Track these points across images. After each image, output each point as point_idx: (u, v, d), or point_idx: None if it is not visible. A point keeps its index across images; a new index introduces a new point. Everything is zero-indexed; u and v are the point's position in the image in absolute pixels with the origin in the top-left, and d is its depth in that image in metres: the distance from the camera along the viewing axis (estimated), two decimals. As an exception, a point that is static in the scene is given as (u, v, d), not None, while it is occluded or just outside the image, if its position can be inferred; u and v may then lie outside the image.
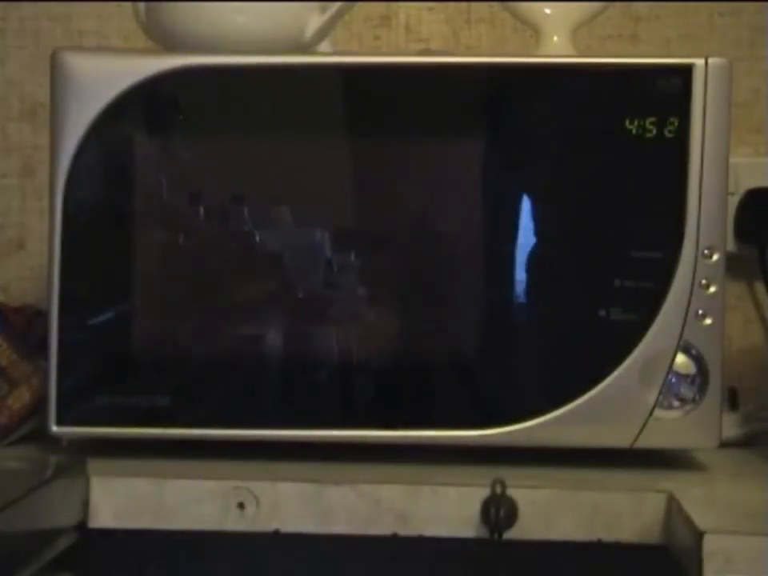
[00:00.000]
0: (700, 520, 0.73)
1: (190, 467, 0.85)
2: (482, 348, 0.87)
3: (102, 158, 0.87)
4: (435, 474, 0.84)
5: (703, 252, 0.86)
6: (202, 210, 0.88)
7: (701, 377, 0.86)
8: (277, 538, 0.82)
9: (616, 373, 0.86)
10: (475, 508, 0.80)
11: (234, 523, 0.82)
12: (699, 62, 0.86)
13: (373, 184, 0.89)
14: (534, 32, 0.99)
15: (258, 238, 0.88)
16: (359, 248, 0.88)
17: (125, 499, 0.82)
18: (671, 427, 0.86)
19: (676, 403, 0.86)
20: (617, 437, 0.86)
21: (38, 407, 0.91)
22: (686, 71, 0.86)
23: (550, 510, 0.81)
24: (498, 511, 0.79)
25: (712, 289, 0.86)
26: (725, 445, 0.89)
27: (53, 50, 0.88)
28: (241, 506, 0.82)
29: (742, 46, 1.17)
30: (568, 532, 0.81)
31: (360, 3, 1.07)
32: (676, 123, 0.86)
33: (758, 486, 0.85)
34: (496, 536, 0.79)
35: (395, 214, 0.89)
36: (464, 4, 1.20)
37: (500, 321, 0.88)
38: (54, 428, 0.87)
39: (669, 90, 0.86)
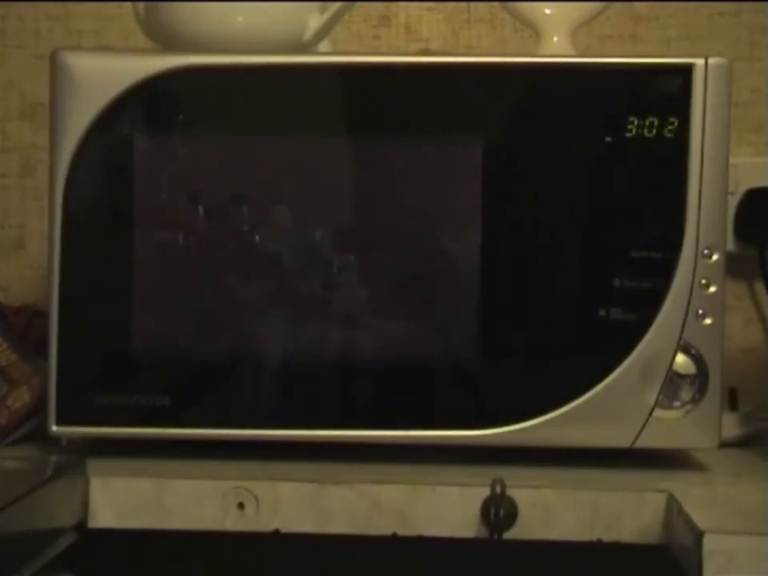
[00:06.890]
0: (700, 520, 0.73)
1: (190, 467, 0.85)
2: (482, 348, 0.87)
3: (101, 157, 0.87)
4: (435, 473, 0.84)
5: (703, 252, 0.86)
6: (201, 209, 0.88)
7: (701, 377, 0.86)
8: (277, 537, 0.82)
9: (616, 373, 0.86)
10: (475, 508, 0.80)
11: (233, 523, 0.82)
12: (699, 62, 0.86)
13: (372, 184, 0.89)
14: (533, 32, 0.99)
15: (257, 238, 0.88)
16: (359, 248, 0.89)
17: (125, 499, 0.82)
18: (671, 427, 0.86)
19: (676, 403, 0.86)
20: (617, 437, 0.86)
21: (38, 407, 0.91)
22: (686, 71, 0.86)
23: (550, 510, 0.81)
24: (498, 511, 0.79)
25: (712, 289, 0.86)
26: (725, 445, 0.89)
27: (52, 50, 0.88)
28: (241, 506, 0.82)
29: (742, 46, 1.17)
30: (568, 532, 0.81)
31: (360, 3, 1.07)
32: (676, 123, 0.86)
33: (758, 486, 0.85)
34: (496, 536, 0.79)
35: (395, 214, 0.89)
36: (464, 4, 1.20)
37: (499, 320, 0.87)
38: (54, 428, 0.87)
39: (669, 90, 0.86)
